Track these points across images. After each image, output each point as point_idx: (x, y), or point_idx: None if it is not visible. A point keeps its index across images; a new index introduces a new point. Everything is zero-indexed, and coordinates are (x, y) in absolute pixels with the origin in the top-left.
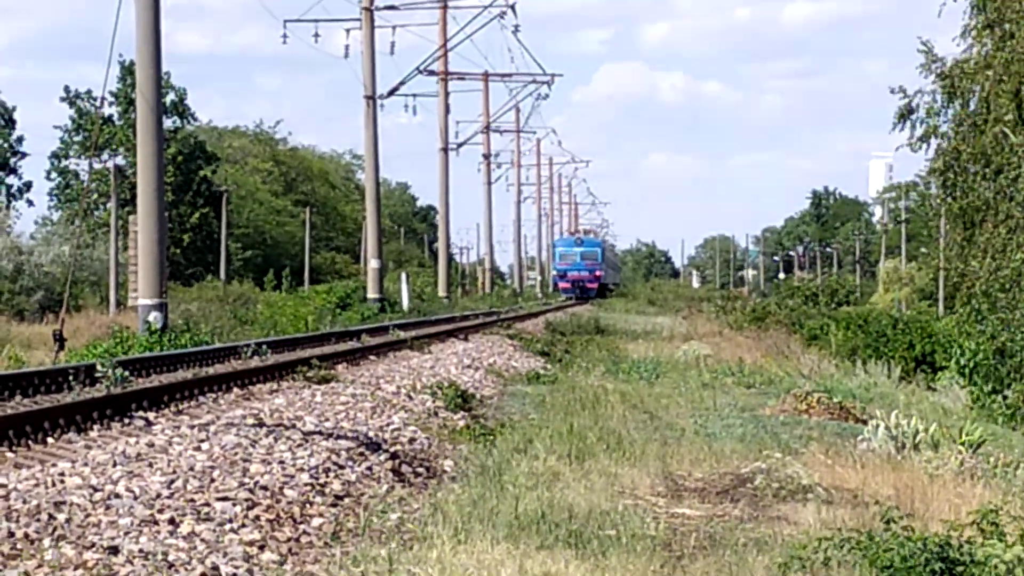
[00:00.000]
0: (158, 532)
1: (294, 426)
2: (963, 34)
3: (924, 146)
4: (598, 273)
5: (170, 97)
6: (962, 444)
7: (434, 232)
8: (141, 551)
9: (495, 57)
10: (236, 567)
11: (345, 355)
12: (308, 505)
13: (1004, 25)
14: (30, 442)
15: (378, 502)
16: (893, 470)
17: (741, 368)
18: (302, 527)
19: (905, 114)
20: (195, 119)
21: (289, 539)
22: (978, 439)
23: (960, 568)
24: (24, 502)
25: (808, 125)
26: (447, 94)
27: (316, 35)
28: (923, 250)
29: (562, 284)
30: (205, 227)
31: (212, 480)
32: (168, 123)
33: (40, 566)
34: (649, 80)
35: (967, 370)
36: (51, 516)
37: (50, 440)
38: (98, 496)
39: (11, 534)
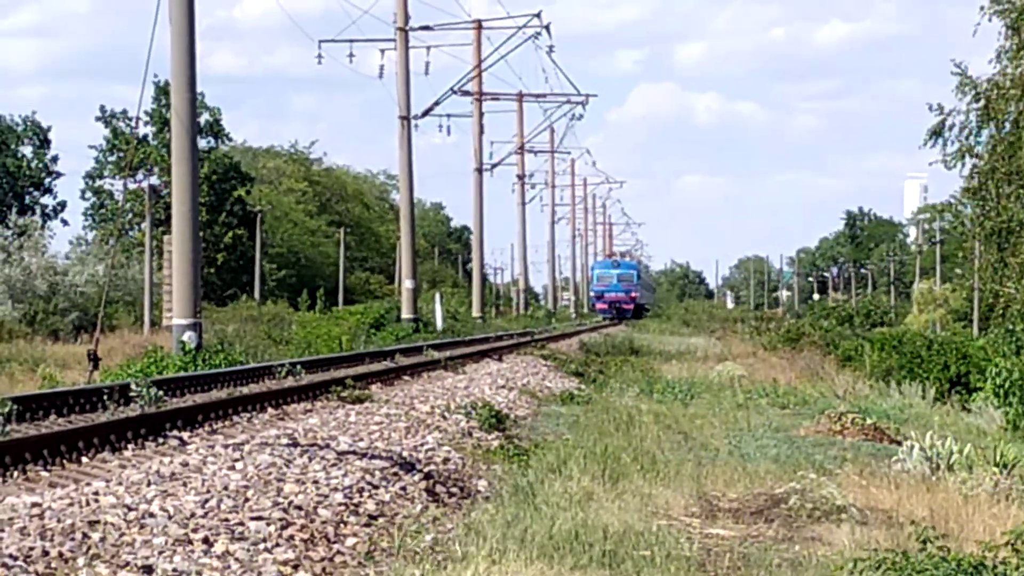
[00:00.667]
0: (192, 551)
1: (328, 446)
2: (998, 56)
3: (959, 165)
4: (634, 295)
5: (204, 117)
6: (997, 465)
7: (468, 252)
8: (175, 570)
9: (529, 77)
10: None
11: (379, 375)
12: (342, 525)
13: None
14: (65, 461)
15: (412, 522)
16: (928, 491)
17: (775, 389)
18: (336, 547)
19: (938, 131)
20: (230, 139)
21: (323, 559)
22: (1013, 460)
23: None
24: (59, 521)
25: (842, 145)
26: (481, 114)
27: (351, 55)
28: (958, 271)
29: (599, 305)
30: (239, 247)
31: (246, 500)
32: (202, 143)
33: None
34: (683, 101)
35: (1002, 391)
36: (85, 535)
37: (84, 459)
38: (132, 515)
39: (46, 553)
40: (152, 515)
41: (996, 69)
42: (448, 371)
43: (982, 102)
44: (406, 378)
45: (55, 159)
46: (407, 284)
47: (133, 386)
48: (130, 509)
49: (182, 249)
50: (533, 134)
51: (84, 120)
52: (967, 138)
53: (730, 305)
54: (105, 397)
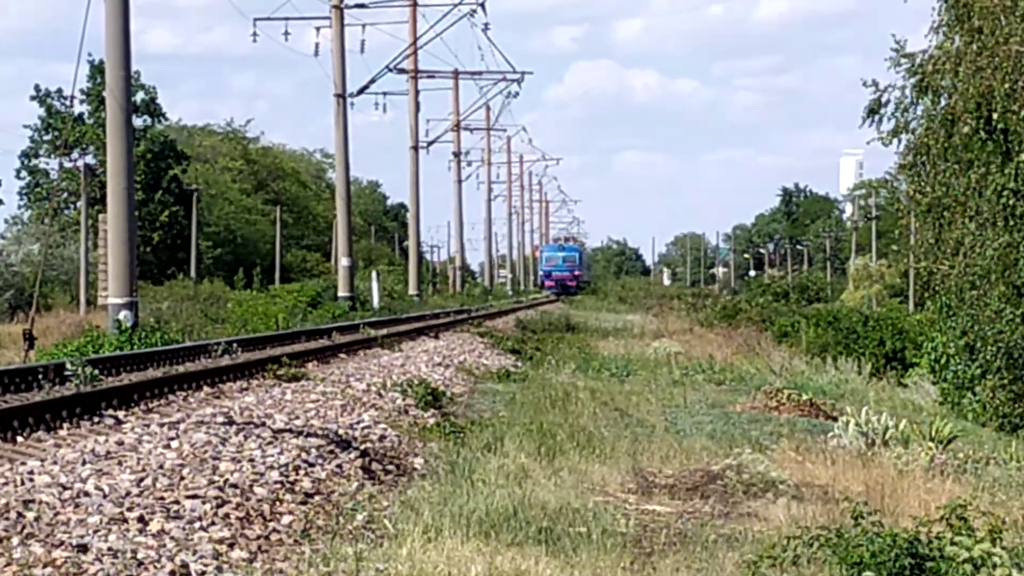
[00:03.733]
0: (127, 530)
1: (264, 424)
2: (935, 29)
3: (895, 142)
4: (577, 273)
5: (140, 96)
6: (932, 440)
7: (405, 230)
8: (110, 549)
9: (465, 55)
10: (205, 565)
11: (315, 353)
12: (278, 503)
13: (973, 20)
14: None
15: (348, 500)
16: (863, 466)
17: (712, 365)
18: (272, 525)
19: (875, 109)
20: (166, 118)
21: (259, 537)
22: (948, 435)
23: (929, 563)
24: None
25: (780, 122)
26: (417, 92)
27: (286, 33)
28: (894, 247)
29: (548, 282)
30: (175, 226)
31: (182, 478)
32: (138, 122)
33: (8, 564)
34: (621, 78)
35: (938, 366)
36: (20, 514)
37: (19, 439)
38: (67, 494)
39: None
40: (87, 494)
41: (932, 42)
42: (384, 349)
43: (918, 76)
44: (342, 356)
45: None
46: (343, 262)
47: (68, 365)
48: (65, 488)
49: (117, 228)
50: (469, 112)
51: (19, 99)
52: (903, 114)
53: (667, 282)
54: (40, 376)
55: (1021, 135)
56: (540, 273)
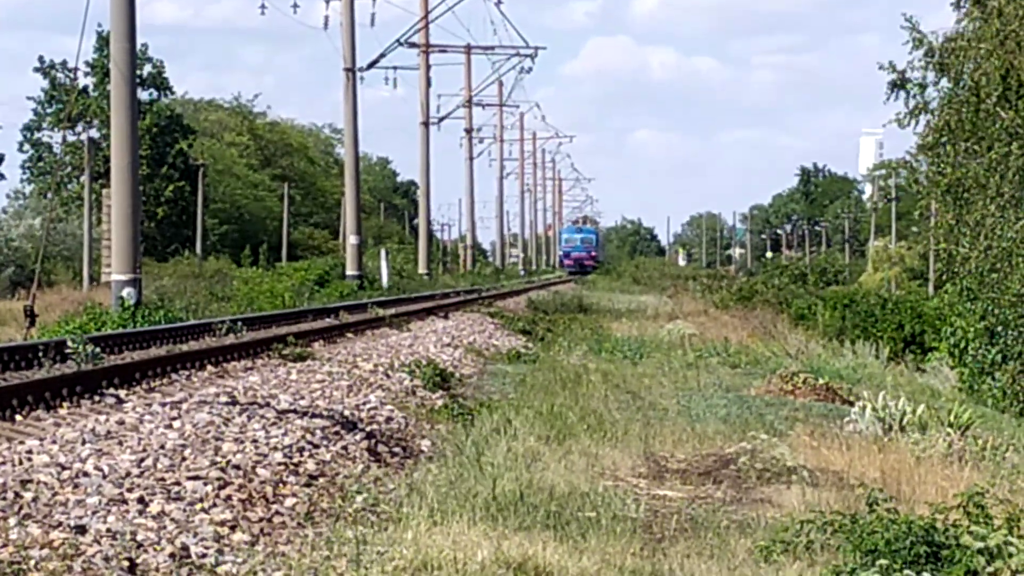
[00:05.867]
0: (127, 511)
1: (268, 404)
2: (956, 5)
3: (914, 122)
4: (593, 253)
5: (147, 69)
6: (950, 426)
7: (415, 208)
8: (109, 530)
9: (478, 29)
10: (206, 547)
11: (322, 333)
12: (281, 485)
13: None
14: None
15: (353, 482)
16: (880, 452)
17: (726, 348)
18: (275, 507)
19: (898, 84)
20: (172, 92)
21: (261, 519)
22: (967, 421)
23: (945, 552)
24: None
25: (799, 102)
26: (428, 67)
27: (295, 6)
28: (913, 229)
29: (566, 261)
30: (181, 201)
31: (183, 459)
32: (144, 95)
33: (5, 545)
34: (638, 55)
35: (957, 351)
36: (17, 494)
37: (18, 417)
38: (66, 474)
39: None
40: (86, 474)
41: (954, 20)
42: (393, 329)
43: (936, 57)
44: (350, 336)
45: None
46: (352, 240)
47: (70, 343)
48: (64, 468)
49: (121, 203)
50: (481, 87)
51: (23, 71)
52: (921, 95)
53: (682, 263)
54: (41, 354)
55: None
56: (559, 253)
